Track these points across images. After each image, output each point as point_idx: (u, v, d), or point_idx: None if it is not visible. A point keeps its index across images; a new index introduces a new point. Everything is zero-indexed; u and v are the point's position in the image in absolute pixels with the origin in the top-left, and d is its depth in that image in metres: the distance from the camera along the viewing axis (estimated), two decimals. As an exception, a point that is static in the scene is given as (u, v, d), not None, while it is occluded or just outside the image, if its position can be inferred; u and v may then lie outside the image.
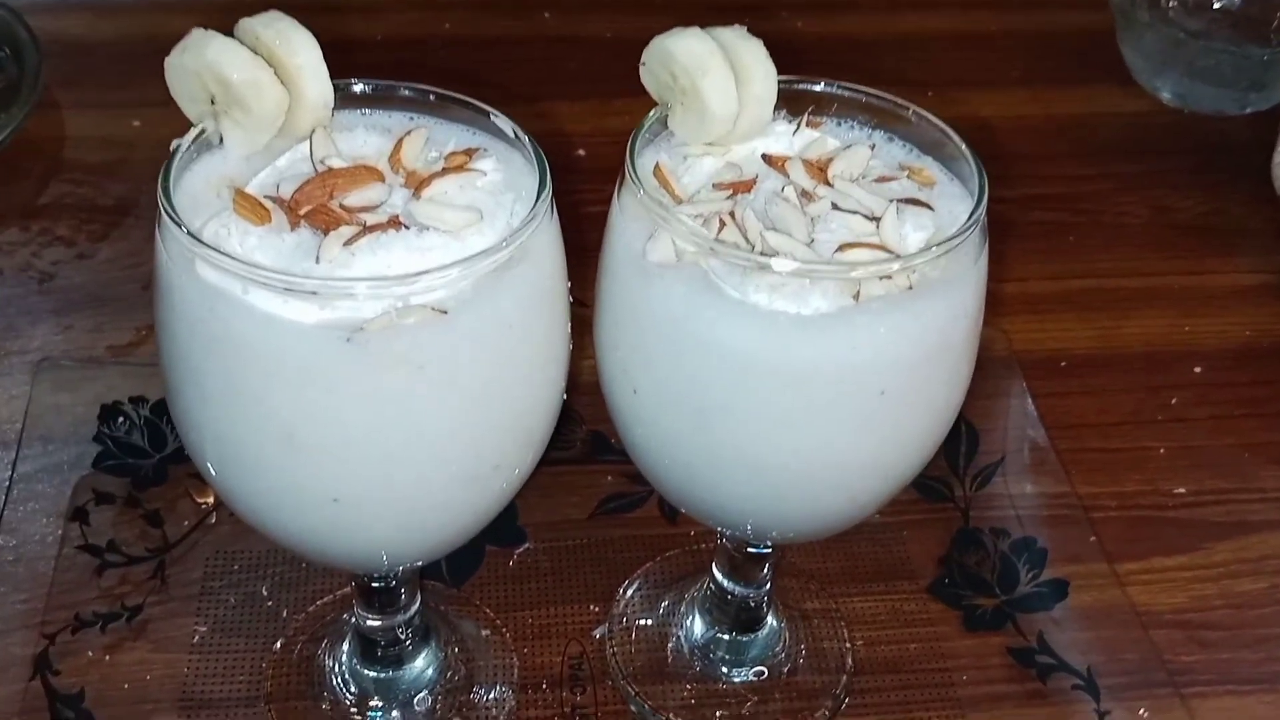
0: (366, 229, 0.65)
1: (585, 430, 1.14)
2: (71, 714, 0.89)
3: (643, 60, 0.75)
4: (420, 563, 0.82)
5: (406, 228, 0.66)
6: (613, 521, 1.07)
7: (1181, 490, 1.14)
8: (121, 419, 1.09)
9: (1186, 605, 1.04)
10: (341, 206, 0.67)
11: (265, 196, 0.68)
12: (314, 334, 0.62)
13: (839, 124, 0.80)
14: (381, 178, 0.69)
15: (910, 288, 0.68)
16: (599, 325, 0.77)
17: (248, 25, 0.70)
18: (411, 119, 0.76)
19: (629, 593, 1.01)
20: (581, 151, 1.49)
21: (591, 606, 1.00)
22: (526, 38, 1.72)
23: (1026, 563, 1.05)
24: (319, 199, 0.67)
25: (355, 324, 0.62)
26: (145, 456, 1.08)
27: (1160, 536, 1.10)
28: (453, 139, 0.75)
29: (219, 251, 0.62)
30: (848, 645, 0.98)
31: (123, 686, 0.92)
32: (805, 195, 0.73)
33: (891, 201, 0.71)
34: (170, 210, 0.65)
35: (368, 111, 0.76)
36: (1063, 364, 1.27)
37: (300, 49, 0.69)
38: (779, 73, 0.75)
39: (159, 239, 0.67)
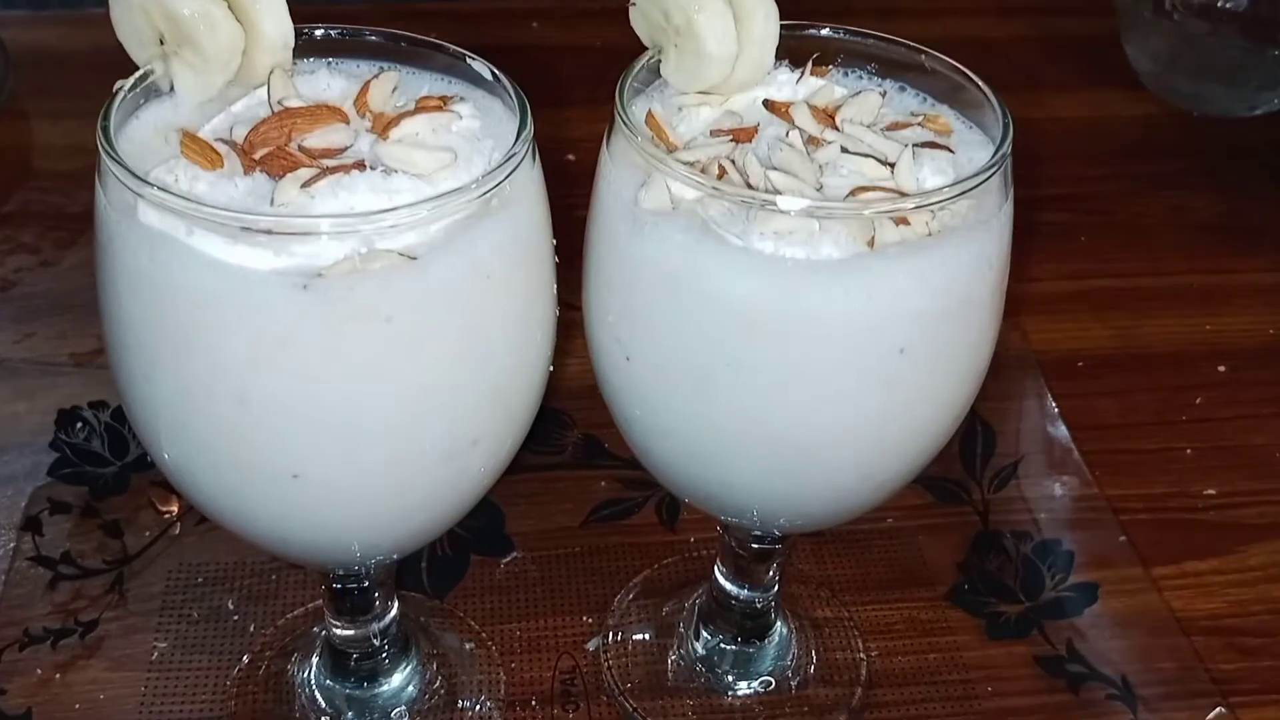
0: (327, 170, 0.59)
1: (577, 434, 1.07)
2: (16, 737, 0.82)
3: (631, 1, 0.69)
4: (395, 556, 0.75)
5: (372, 170, 0.59)
6: (607, 529, 1.00)
7: (1211, 492, 1.07)
8: (80, 424, 1.02)
9: (1223, 611, 0.97)
10: (301, 149, 0.61)
11: (218, 140, 0.61)
12: (267, 281, 0.56)
13: (846, 74, 0.74)
14: (346, 119, 0.63)
15: (930, 235, 0.62)
16: (588, 288, 0.70)
17: (200, -43, 0.64)
18: (381, 68, 0.70)
19: (625, 602, 0.93)
20: (572, 156, 1.43)
21: (585, 618, 0.93)
22: (515, 47, 1.67)
23: (1051, 567, 0.98)
24: (276, 141, 0.60)
25: (313, 270, 0.56)
26: (105, 464, 1.00)
27: (1191, 540, 1.03)
28: (426, 87, 0.69)
29: (160, 188, 0.55)
30: (862, 656, 0.91)
31: (74, 707, 0.84)
32: (812, 141, 0.66)
33: (907, 145, 0.64)
34: (109, 149, 0.58)
35: (333, 60, 0.70)
36: (1080, 364, 1.20)
37: (256, -20, 0.63)
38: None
39: (98, 187, 0.61)
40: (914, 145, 0.65)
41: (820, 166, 0.65)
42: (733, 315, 0.62)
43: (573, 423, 1.08)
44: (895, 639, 0.93)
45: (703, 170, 0.64)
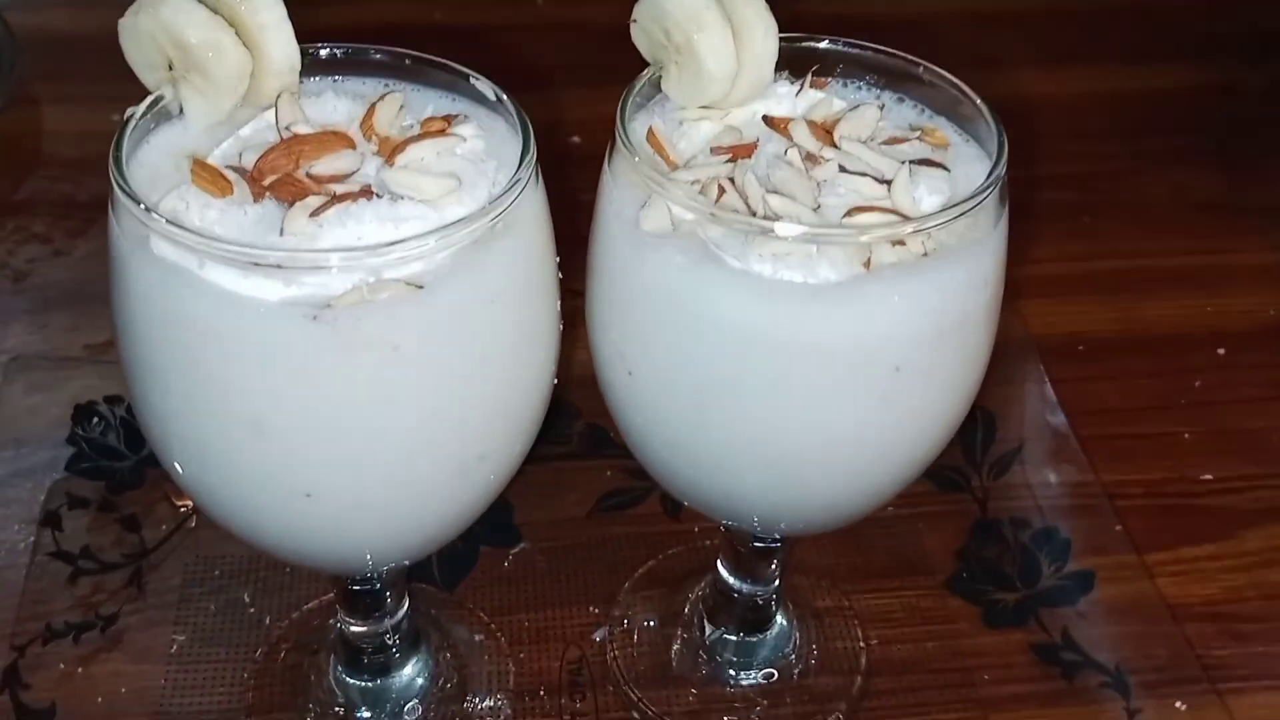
0: (335, 199, 0.60)
1: (583, 424, 1.09)
2: (41, 730, 0.84)
3: (633, 17, 0.70)
4: (406, 562, 0.77)
5: (379, 197, 0.61)
6: (612, 519, 1.02)
7: (1209, 477, 1.09)
8: (96, 419, 1.04)
9: (1218, 597, 0.99)
10: (309, 176, 0.62)
11: (227, 166, 0.63)
12: (277, 312, 0.57)
13: (845, 85, 0.75)
14: (352, 144, 0.64)
15: (925, 255, 0.63)
16: (591, 304, 0.72)
17: (207, -17, 0.65)
18: (386, 85, 0.71)
19: (630, 593, 0.95)
20: (576, 139, 1.44)
21: (591, 608, 0.95)
22: (519, 26, 1.67)
23: (1049, 555, 0.99)
24: (284, 168, 0.62)
25: (322, 301, 0.57)
26: (121, 458, 1.02)
27: (1188, 525, 1.04)
28: (430, 105, 0.70)
29: (172, 223, 0.57)
30: (861, 645, 0.93)
31: (96, 700, 0.87)
32: (810, 158, 0.67)
33: (904, 163, 0.66)
34: (122, 182, 0.60)
35: (339, 78, 0.71)
36: (1081, 348, 1.22)
37: (262, 7, 0.64)
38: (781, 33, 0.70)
39: (111, 215, 0.62)
40: (910, 163, 0.66)
41: (818, 184, 0.66)
42: (732, 336, 0.63)
43: (579, 412, 1.10)
44: (895, 627, 0.95)
45: (702, 190, 0.65)
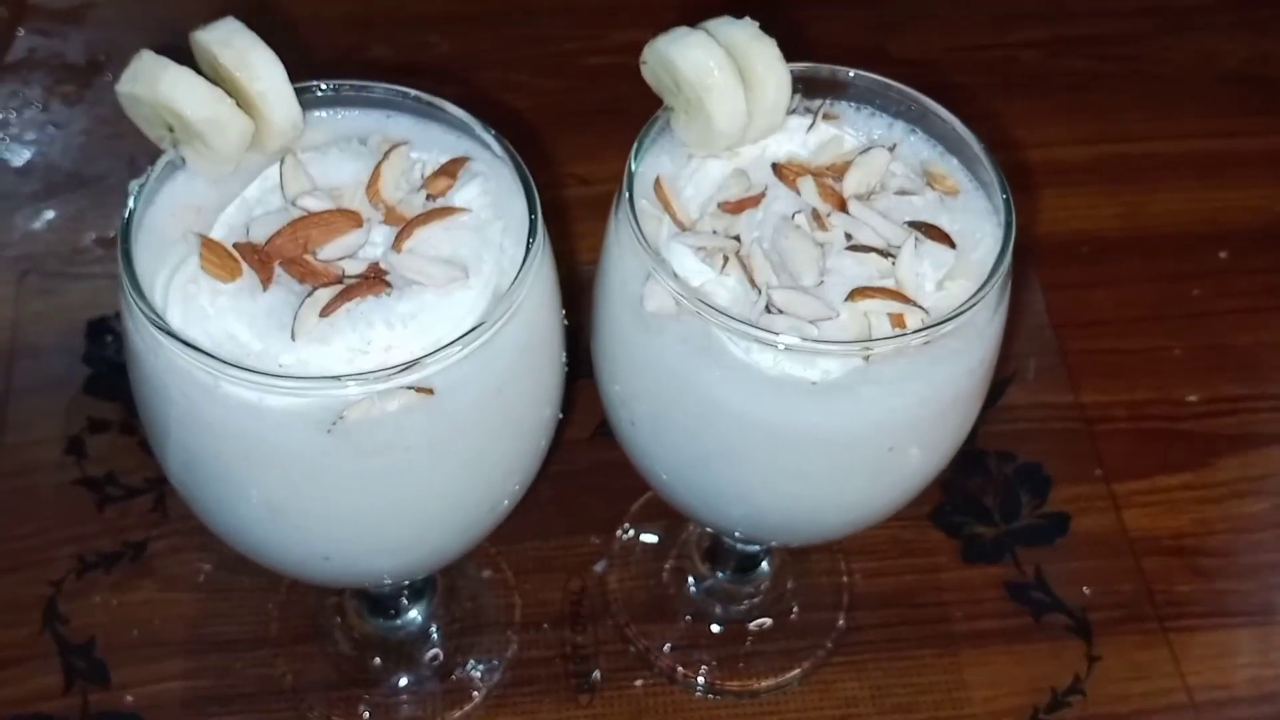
0: (344, 293, 0.60)
1: (585, 339, 1.11)
2: (84, 664, 0.91)
3: (643, 59, 0.68)
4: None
5: (388, 286, 0.61)
6: (614, 443, 1.04)
7: (1193, 398, 1.12)
8: (110, 337, 1.06)
9: (1186, 529, 1.04)
10: (317, 258, 0.62)
11: (234, 244, 0.63)
12: (291, 422, 0.59)
13: (857, 110, 0.73)
14: (359, 221, 0.64)
15: (926, 342, 0.64)
16: (596, 350, 0.73)
17: (204, 44, 0.63)
18: (388, 117, 0.70)
19: (629, 525, 1.01)
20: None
21: (592, 538, 1.00)
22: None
23: (1029, 491, 1.04)
24: (292, 253, 0.62)
25: (335, 410, 0.59)
26: (137, 375, 1.05)
27: (1167, 452, 1.08)
28: (435, 148, 0.69)
29: (189, 345, 0.58)
30: (845, 579, 0.99)
31: (132, 632, 0.93)
32: (816, 217, 0.67)
33: (910, 234, 0.65)
34: (137, 298, 0.60)
35: (341, 112, 0.70)
36: (1084, 249, 1.22)
37: (262, 73, 0.62)
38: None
39: (123, 307, 0.63)
40: (916, 234, 0.66)
41: (823, 248, 0.66)
42: (731, 419, 0.65)
43: (579, 325, 1.11)
44: (878, 559, 1.00)
45: (707, 256, 0.65)
